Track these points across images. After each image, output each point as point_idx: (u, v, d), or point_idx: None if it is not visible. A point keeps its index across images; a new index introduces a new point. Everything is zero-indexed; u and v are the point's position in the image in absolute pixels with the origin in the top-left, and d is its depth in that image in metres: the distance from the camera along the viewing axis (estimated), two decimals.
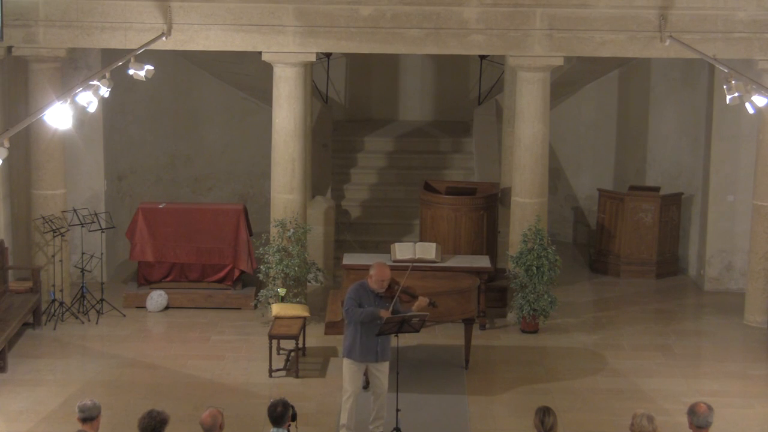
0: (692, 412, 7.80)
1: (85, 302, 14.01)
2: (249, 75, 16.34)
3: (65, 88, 13.58)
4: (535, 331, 13.78)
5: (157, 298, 14.36)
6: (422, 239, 14.87)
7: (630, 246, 16.20)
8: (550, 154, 14.44)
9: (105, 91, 11.34)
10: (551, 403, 9.48)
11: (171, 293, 14.48)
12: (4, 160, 9.04)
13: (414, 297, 10.73)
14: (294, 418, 8.15)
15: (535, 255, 13.58)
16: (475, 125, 18.00)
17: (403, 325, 10.17)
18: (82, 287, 14.03)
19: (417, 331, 10.43)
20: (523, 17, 13.48)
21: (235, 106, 17.45)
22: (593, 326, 14.18)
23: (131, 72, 12.32)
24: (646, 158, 17.13)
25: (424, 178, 16.09)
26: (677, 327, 14.21)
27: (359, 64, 19.17)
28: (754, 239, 14.15)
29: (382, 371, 10.47)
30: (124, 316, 14.14)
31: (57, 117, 10.06)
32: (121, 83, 13.81)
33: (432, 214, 14.93)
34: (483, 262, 13.90)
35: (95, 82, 11.11)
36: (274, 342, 12.48)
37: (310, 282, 14.13)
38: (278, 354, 12.61)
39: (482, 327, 13.75)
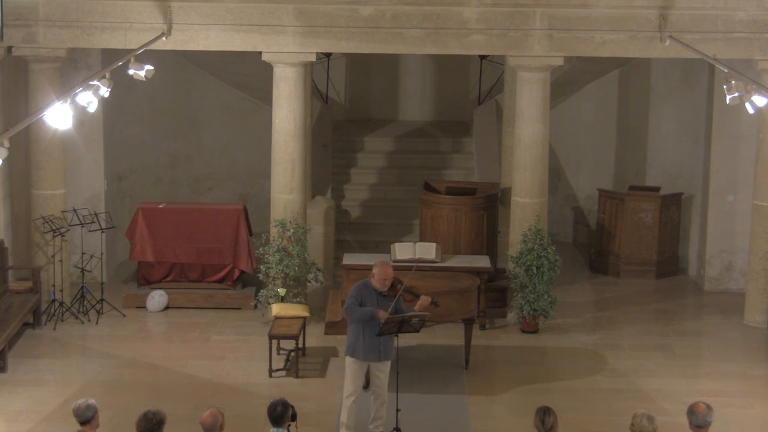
0: (691, 411, 7.81)
1: (85, 302, 14.01)
2: (249, 75, 16.34)
3: (65, 88, 13.58)
4: (535, 331, 13.77)
5: (157, 298, 14.36)
6: (422, 239, 14.86)
7: (630, 246, 16.20)
8: (550, 154, 14.43)
9: (105, 91, 11.33)
10: (551, 403, 9.45)
11: (171, 293, 14.47)
12: (4, 160, 9.03)
13: (416, 296, 10.71)
14: (294, 418, 8.15)
15: (535, 255, 13.58)
16: (475, 125, 18.00)
17: (403, 325, 10.17)
18: (82, 287, 14.03)
19: (417, 331, 10.42)
20: (523, 17, 13.48)
21: (235, 106, 17.45)
22: (593, 326, 14.18)
23: (131, 72, 12.31)
24: (646, 158, 17.13)
25: (424, 178, 16.08)
26: (677, 327, 14.21)
27: (359, 64, 19.17)
28: (754, 239, 14.15)
29: (383, 370, 10.46)
30: (124, 316, 14.14)
31: (57, 117, 10.05)
32: (121, 83, 13.80)
33: (432, 214, 14.92)
34: (483, 262, 13.89)
35: (95, 82, 11.10)
36: (274, 342, 12.47)
37: (310, 282, 14.12)
38: (278, 354, 12.61)
39: (482, 327, 13.74)
